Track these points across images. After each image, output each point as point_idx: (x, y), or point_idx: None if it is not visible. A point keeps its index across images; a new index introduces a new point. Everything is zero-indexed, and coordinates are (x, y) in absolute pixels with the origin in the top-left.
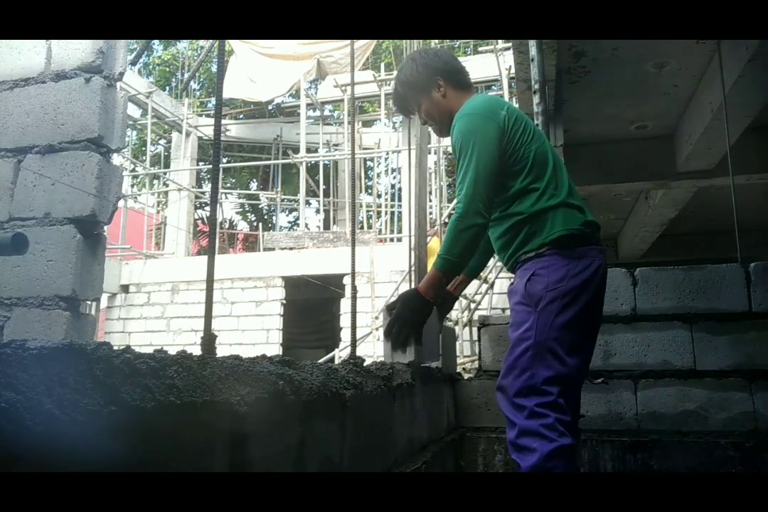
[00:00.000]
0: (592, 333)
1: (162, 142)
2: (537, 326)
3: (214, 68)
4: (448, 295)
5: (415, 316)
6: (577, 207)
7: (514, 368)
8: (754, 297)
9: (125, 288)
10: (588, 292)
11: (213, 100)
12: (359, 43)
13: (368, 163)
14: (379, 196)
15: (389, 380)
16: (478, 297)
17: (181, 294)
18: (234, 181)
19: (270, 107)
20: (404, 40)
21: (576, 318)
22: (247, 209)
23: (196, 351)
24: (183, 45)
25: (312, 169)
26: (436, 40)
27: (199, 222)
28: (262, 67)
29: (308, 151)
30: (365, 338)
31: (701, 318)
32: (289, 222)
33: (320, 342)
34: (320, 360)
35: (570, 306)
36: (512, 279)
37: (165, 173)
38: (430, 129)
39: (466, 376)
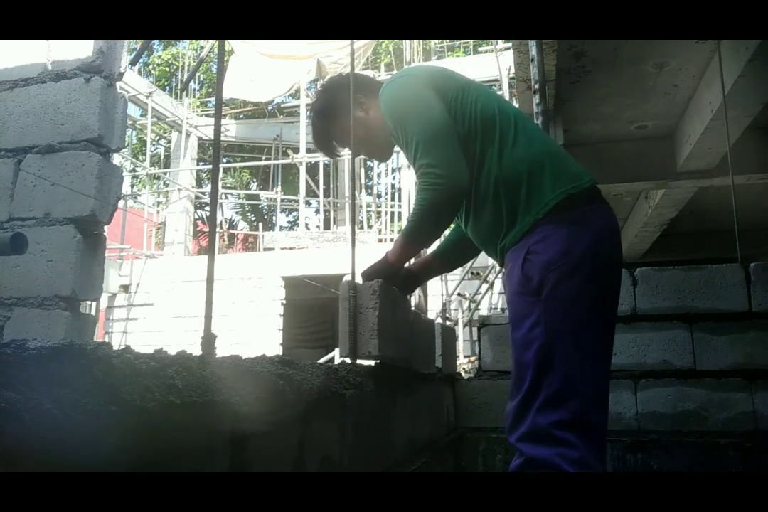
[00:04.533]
0: (613, 321)
1: (162, 142)
2: (545, 320)
3: (214, 68)
4: (412, 276)
5: (371, 269)
6: (565, 156)
7: (522, 381)
8: (754, 297)
9: (125, 288)
10: (604, 265)
11: (213, 100)
12: (359, 43)
13: (368, 163)
14: (379, 196)
15: (389, 380)
16: (477, 297)
17: (181, 295)
18: (234, 180)
19: (270, 107)
20: (404, 40)
21: (596, 302)
22: (247, 209)
23: (196, 351)
24: (183, 45)
25: (312, 169)
26: (437, 40)
27: (199, 222)
28: (262, 67)
29: (308, 151)
30: None
31: (701, 318)
32: (289, 222)
33: (320, 342)
34: (320, 360)
35: (585, 287)
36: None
37: (165, 173)
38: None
39: (466, 376)
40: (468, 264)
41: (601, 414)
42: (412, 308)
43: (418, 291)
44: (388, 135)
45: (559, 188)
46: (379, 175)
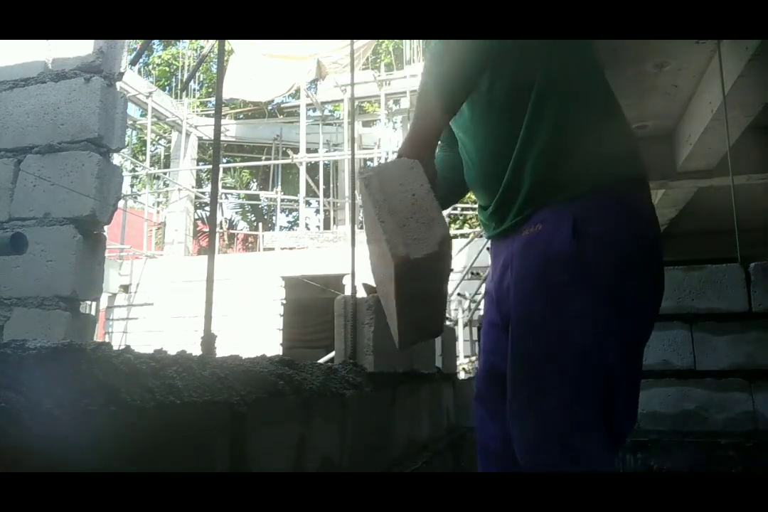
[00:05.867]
0: None
1: (162, 142)
2: None
3: (214, 68)
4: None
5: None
6: None
7: None
8: (754, 297)
9: (125, 288)
10: None
11: (213, 99)
12: (359, 43)
13: (368, 163)
14: None
15: (389, 380)
16: (477, 297)
17: (181, 295)
18: (234, 180)
19: (270, 107)
20: (404, 40)
21: None
22: (247, 209)
23: (196, 351)
24: (183, 45)
25: (312, 169)
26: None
27: (199, 222)
28: (262, 67)
29: (308, 151)
30: None
31: (701, 318)
32: (289, 222)
33: (320, 342)
34: (320, 360)
35: None
36: None
37: (165, 173)
38: None
39: (465, 376)
40: (468, 264)
41: None
42: None
43: None
44: None
45: None
46: None
